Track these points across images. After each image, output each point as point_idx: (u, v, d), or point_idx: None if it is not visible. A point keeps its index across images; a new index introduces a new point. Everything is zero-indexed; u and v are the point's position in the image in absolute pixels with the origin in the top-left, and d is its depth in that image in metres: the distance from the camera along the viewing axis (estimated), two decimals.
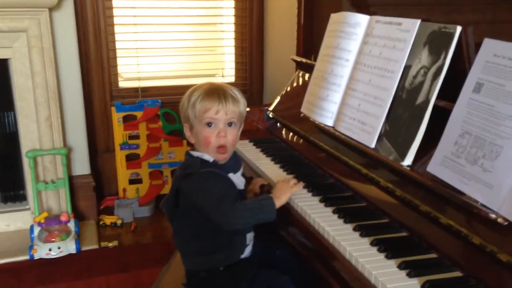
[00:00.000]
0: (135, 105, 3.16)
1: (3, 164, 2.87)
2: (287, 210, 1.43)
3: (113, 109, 3.11)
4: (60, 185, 2.79)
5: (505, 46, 1.10)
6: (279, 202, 1.39)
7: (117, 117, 3.11)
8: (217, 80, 3.55)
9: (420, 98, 1.31)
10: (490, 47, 1.13)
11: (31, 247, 2.57)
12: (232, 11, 3.42)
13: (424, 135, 1.29)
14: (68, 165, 2.86)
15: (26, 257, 2.56)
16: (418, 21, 1.38)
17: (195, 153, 1.44)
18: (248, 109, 2.20)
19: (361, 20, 1.62)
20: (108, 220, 2.98)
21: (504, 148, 1.05)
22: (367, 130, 1.48)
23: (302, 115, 1.85)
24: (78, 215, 2.93)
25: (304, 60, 2.09)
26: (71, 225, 2.71)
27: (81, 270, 2.50)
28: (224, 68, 3.62)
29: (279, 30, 3.29)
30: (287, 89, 2.14)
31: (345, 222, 1.32)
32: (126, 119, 3.14)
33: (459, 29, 1.25)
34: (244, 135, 1.98)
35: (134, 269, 2.51)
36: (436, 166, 1.21)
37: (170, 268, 1.69)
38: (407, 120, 1.34)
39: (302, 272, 1.46)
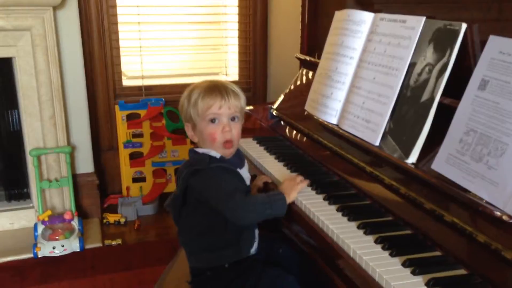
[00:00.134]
0: (139, 103, 3.17)
1: (7, 162, 2.88)
2: (291, 208, 1.43)
3: (117, 107, 3.12)
4: (64, 183, 2.79)
5: (511, 43, 1.10)
6: (289, 199, 1.40)
7: (120, 115, 3.11)
8: (221, 78, 3.55)
9: (425, 96, 1.31)
10: (496, 44, 1.13)
11: (35, 245, 2.58)
12: (236, 9, 3.42)
13: (428, 132, 1.29)
14: (72, 164, 2.87)
15: (30, 255, 2.57)
16: (423, 18, 1.38)
17: (200, 150, 1.44)
18: (251, 107, 2.22)
19: (366, 17, 1.61)
20: (111, 218, 2.99)
21: (509, 145, 1.05)
22: (371, 128, 1.47)
23: (306, 113, 1.84)
24: (82, 213, 2.94)
25: (308, 58, 2.09)
26: (75, 223, 2.72)
27: (84, 268, 2.50)
28: (227, 67, 3.62)
29: (283, 28, 3.29)
30: (291, 87, 2.14)
31: (349, 220, 1.31)
32: (129, 117, 3.15)
33: (464, 26, 1.24)
34: (248, 133, 1.98)
35: (138, 267, 2.51)
36: (441, 164, 1.20)
37: (174, 266, 1.69)
38: (411, 117, 1.34)
39: (305, 270, 1.46)
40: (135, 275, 2.45)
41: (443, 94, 1.26)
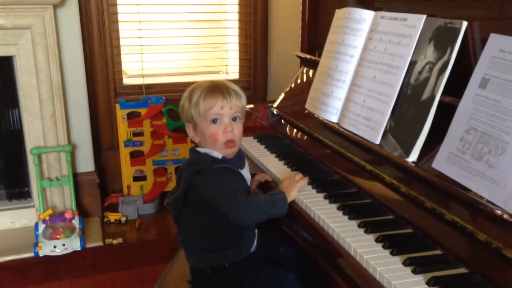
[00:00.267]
0: (139, 102, 3.17)
1: (7, 161, 2.88)
2: (291, 206, 1.43)
3: (117, 106, 3.12)
4: (64, 182, 2.79)
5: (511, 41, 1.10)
6: (289, 198, 1.40)
7: (121, 114, 3.11)
8: (221, 77, 3.55)
9: (426, 94, 1.30)
10: (496, 43, 1.13)
11: (35, 244, 2.58)
12: (236, 8, 3.41)
13: (429, 131, 1.28)
14: (73, 162, 2.87)
15: (31, 254, 2.57)
16: (424, 17, 1.37)
17: (202, 150, 1.44)
18: (252, 105, 2.21)
19: (366, 15, 1.61)
20: (112, 217, 2.99)
21: (510, 143, 1.05)
22: (372, 126, 1.47)
23: (306, 111, 1.84)
24: (83, 212, 2.94)
25: (308, 56, 2.09)
26: (76, 222, 2.72)
27: (85, 267, 2.51)
28: (228, 65, 3.62)
29: (283, 27, 3.28)
30: (291, 85, 2.14)
31: (350, 218, 1.31)
32: (130, 116, 3.15)
33: (465, 24, 1.24)
34: (249, 131, 1.98)
35: (139, 266, 2.51)
36: (441, 162, 1.20)
37: (175, 265, 1.69)
38: (412, 116, 1.34)
39: (305, 268, 1.46)
40: (136, 274, 2.45)
41: (443, 93, 1.26)
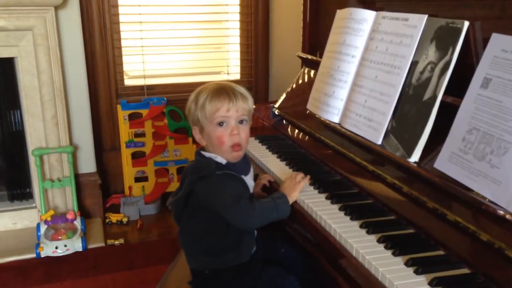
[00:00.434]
0: (141, 103, 3.17)
1: (9, 162, 2.88)
2: (293, 207, 1.43)
3: (119, 107, 3.12)
4: (66, 183, 2.79)
5: None
6: (291, 199, 1.40)
7: (122, 115, 3.11)
8: (223, 77, 3.55)
9: (427, 94, 1.30)
10: (498, 42, 1.12)
11: (37, 245, 2.58)
12: (237, 8, 3.41)
13: (431, 131, 1.28)
14: (74, 163, 2.87)
15: (33, 255, 2.57)
16: (425, 17, 1.37)
17: (206, 154, 1.43)
18: (253, 106, 2.21)
19: (368, 16, 1.61)
20: (114, 218, 2.99)
21: None
22: (373, 127, 1.47)
23: (308, 112, 1.84)
24: (84, 213, 2.94)
25: (310, 56, 2.09)
26: (78, 223, 2.72)
27: (87, 268, 2.51)
28: (229, 66, 3.62)
29: (284, 27, 3.28)
30: (292, 86, 2.14)
31: (352, 219, 1.31)
32: (131, 117, 3.15)
33: (466, 24, 1.24)
34: (250, 132, 1.97)
35: (140, 267, 2.51)
36: (443, 163, 1.20)
37: (176, 266, 1.69)
38: (414, 116, 1.33)
39: (307, 269, 1.46)
40: (138, 274, 2.45)
41: (445, 93, 1.26)
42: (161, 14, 3.25)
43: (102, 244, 2.73)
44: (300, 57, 2.18)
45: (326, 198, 1.44)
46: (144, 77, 3.27)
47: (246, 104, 1.42)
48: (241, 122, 1.41)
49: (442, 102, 1.26)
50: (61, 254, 2.58)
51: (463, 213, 1.12)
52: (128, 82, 3.29)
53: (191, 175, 1.39)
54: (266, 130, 2.10)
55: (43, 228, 2.65)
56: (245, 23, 3.44)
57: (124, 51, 3.19)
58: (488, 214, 1.07)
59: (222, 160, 1.41)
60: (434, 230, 1.18)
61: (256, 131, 2.08)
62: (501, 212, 1.04)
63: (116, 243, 2.74)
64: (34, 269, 2.48)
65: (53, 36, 2.62)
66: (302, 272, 1.45)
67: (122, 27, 3.15)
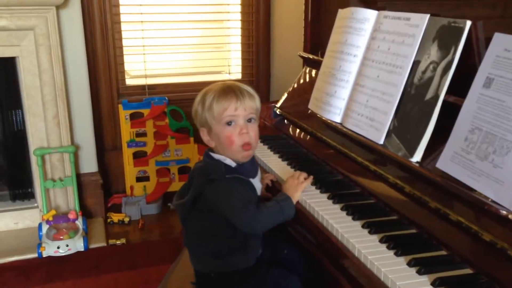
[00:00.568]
0: (142, 102, 3.17)
1: (11, 162, 2.89)
2: (295, 207, 1.42)
3: (120, 106, 3.12)
4: (68, 183, 2.80)
5: None
6: (294, 200, 1.40)
7: (124, 114, 3.11)
8: (224, 77, 3.55)
9: (429, 94, 1.30)
10: (501, 42, 1.12)
11: (39, 245, 2.58)
12: (239, 8, 3.41)
13: (433, 131, 1.28)
14: (76, 163, 2.87)
15: (35, 255, 2.57)
16: (427, 16, 1.37)
17: (216, 156, 1.42)
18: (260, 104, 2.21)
19: (369, 15, 1.60)
20: (115, 217, 2.99)
21: None
22: (375, 126, 1.47)
23: (309, 111, 1.84)
24: (86, 212, 2.94)
25: (311, 56, 2.08)
26: (79, 222, 2.72)
27: (89, 267, 2.51)
28: (230, 65, 3.61)
29: (286, 26, 3.28)
30: (294, 85, 2.13)
31: (354, 219, 1.31)
32: (133, 116, 3.15)
33: (468, 23, 1.23)
34: None
35: (142, 267, 2.51)
36: (445, 162, 1.19)
37: (178, 265, 1.68)
38: (416, 116, 1.33)
39: (309, 269, 1.46)
40: (140, 274, 2.45)
41: (447, 92, 1.25)
42: (162, 13, 3.25)
43: (104, 244, 2.73)
44: (302, 57, 2.18)
45: (328, 198, 1.44)
46: (146, 76, 3.27)
47: (253, 103, 1.40)
48: (249, 120, 1.40)
49: (444, 101, 1.26)
50: (63, 254, 2.59)
51: (466, 213, 1.12)
52: (129, 81, 3.29)
53: (199, 177, 1.38)
54: (267, 130, 2.10)
55: (45, 228, 2.65)
56: (247, 23, 3.44)
57: (125, 50, 3.19)
58: (490, 214, 1.06)
59: (232, 163, 1.40)
60: (437, 230, 1.18)
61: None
62: (504, 212, 1.03)
63: (117, 243, 2.74)
64: (36, 269, 2.48)
65: (54, 36, 2.62)
66: (305, 272, 1.45)
67: (123, 26, 3.15)
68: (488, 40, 1.15)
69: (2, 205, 2.86)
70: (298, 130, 1.96)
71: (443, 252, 1.14)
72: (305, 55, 2.14)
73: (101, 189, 3.03)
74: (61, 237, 2.62)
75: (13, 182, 2.90)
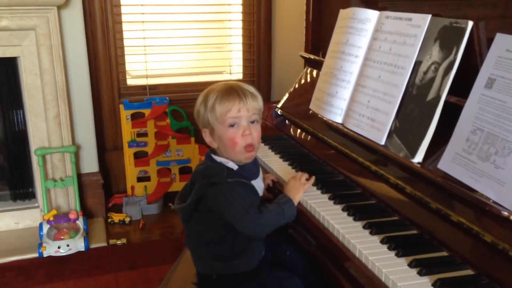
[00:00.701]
0: (143, 102, 3.17)
1: (12, 162, 2.88)
2: (296, 207, 1.42)
3: (121, 106, 3.12)
4: (68, 183, 2.79)
5: None
6: (295, 202, 1.39)
7: (125, 114, 3.11)
8: (225, 77, 3.55)
9: (431, 94, 1.30)
10: (503, 42, 1.12)
11: (40, 245, 2.58)
12: (240, 8, 3.41)
13: (434, 131, 1.27)
14: (77, 163, 2.87)
15: (35, 255, 2.57)
16: (429, 16, 1.37)
17: (218, 158, 1.41)
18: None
19: (371, 15, 1.60)
20: (116, 217, 2.99)
21: None
22: (376, 127, 1.46)
23: (310, 112, 1.83)
24: (87, 212, 2.94)
25: (312, 56, 2.08)
26: (80, 222, 2.72)
27: (89, 267, 2.51)
28: (231, 65, 3.61)
29: (287, 26, 3.28)
30: (295, 86, 2.13)
31: (355, 219, 1.30)
32: (134, 116, 3.15)
33: (470, 24, 1.23)
34: None
35: (143, 267, 2.51)
36: (447, 163, 1.19)
37: (179, 265, 1.68)
38: (417, 116, 1.33)
39: (311, 271, 1.45)
40: (140, 274, 2.45)
41: (449, 93, 1.25)
42: (163, 13, 3.24)
43: (105, 244, 2.73)
44: (303, 57, 2.18)
45: (329, 198, 1.44)
46: (147, 76, 3.27)
47: (256, 103, 1.39)
48: (252, 121, 1.39)
49: (446, 102, 1.26)
50: (63, 254, 2.59)
51: (467, 214, 1.12)
52: (130, 81, 3.29)
53: (201, 180, 1.37)
54: (268, 130, 2.10)
55: (46, 227, 2.65)
56: (248, 23, 3.44)
57: (126, 50, 3.19)
58: (492, 215, 1.06)
59: (234, 166, 1.39)
60: (438, 231, 1.18)
61: None
62: (505, 213, 1.03)
63: (118, 242, 2.74)
64: (37, 269, 2.48)
65: (55, 36, 2.62)
66: (306, 274, 1.45)
67: (124, 26, 3.14)
68: (490, 41, 1.15)
69: (3, 205, 2.86)
70: (299, 131, 1.95)
71: (444, 253, 1.13)
72: (307, 55, 2.14)
73: (102, 189, 3.02)
74: (62, 237, 2.62)
75: (14, 182, 2.90)
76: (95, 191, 3.00)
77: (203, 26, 3.42)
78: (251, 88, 1.41)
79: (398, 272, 1.07)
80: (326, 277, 1.31)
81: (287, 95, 2.14)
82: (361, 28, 1.62)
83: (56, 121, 2.72)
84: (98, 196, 3.01)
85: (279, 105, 2.13)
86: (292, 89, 2.14)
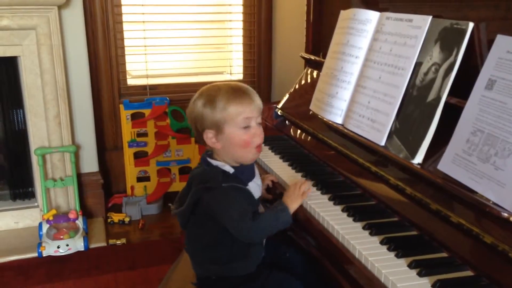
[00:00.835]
0: (143, 102, 3.17)
1: (12, 161, 2.88)
2: (292, 217, 1.41)
3: (121, 106, 3.12)
4: (68, 182, 2.79)
5: None
6: (291, 210, 1.38)
7: (125, 114, 3.11)
8: (225, 77, 3.55)
9: (431, 95, 1.30)
10: (503, 44, 1.12)
11: (39, 244, 2.58)
12: (241, 8, 3.41)
13: (435, 132, 1.27)
14: (77, 163, 2.87)
15: (35, 255, 2.57)
16: (430, 18, 1.37)
17: (214, 162, 1.39)
18: None
19: (371, 16, 1.60)
20: (116, 217, 2.99)
21: None
22: (376, 128, 1.46)
23: (311, 112, 1.83)
24: (86, 212, 2.94)
25: (313, 57, 2.08)
26: (80, 222, 2.72)
27: (89, 267, 2.50)
28: (232, 66, 3.61)
29: (287, 27, 3.28)
30: (295, 86, 2.13)
31: (355, 220, 1.30)
32: (134, 116, 3.15)
33: (471, 25, 1.23)
34: None
35: (142, 267, 2.51)
36: (447, 164, 1.19)
37: (179, 266, 1.68)
38: (417, 117, 1.33)
39: (311, 272, 1.45)
40: (140, 274, 2.45)
41: (449, 94, 1.25)
42: (164, 14, 3.24)
43: (104, 244, 2.73)
44: (303, 58, 2.18)
45: (329, 199, 1.44)
46: (147, 76, 3.27)
47: (261, 103, 1.40)
48: (259, 122, 1.39)
49: (446, 103, 1.26)
50: (63, 254, 2.59)
51: (467, 215, 1.12)
52: (130, 81, 3.29)
53: (197, 185, 1.36)
54: (268, 131, 2.09)
55: (45, 227, 2.65)
56: (248, 23, 3.44)
57: (127, 50, 3.19)
58: (492, 217, 1.06)
59: (230, 169, 1.38)
60: (438, 232, 1.18)
61: None
62: (505, 214, 1.03)
63: (118, 242, 2.74)
64: (36, 269, 2.48)
65: (56, 36, 2.62)
66: (306, 275, 1.45)
67: (125, 26, 3.15)
68: (490, 42, 1.15)
69: (3, 204, 2.86)
70: (299, 131, 1.95)
71: (444, 254, 1.13)
72: (307, 56, 2.14)
73: (101, 189, 3.02)
74: (61, 236, 2.62)
75: (13, 181, 2.90)
76: (95, 191, 3.00)
77: (203, 26, 3.42)
78: (250, 88, 1.42)
79: (398, 273, 1.07)
80: (326, 278, 1.31)
81: (287, 96, 2.14)
82: (361, 29, 1.62)
83: (56, 120, 2.72)
84: (97, 196, 3.01)
85: (279, 105, 2.13)
86: (292, 89, 2.14)
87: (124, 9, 3.12)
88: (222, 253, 1.40)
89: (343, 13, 1.76)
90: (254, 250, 1.41)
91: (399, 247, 1.15)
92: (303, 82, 2.10)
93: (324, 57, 1.85)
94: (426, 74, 1.34)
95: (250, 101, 1.36)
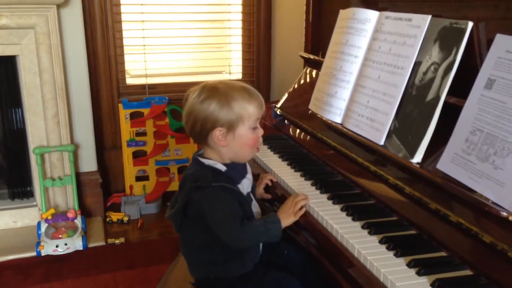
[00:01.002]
0: (142, 102, 3.17)
1: (10, 160, 2.88)
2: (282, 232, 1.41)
3: (120, 106, 3.12)
4: (67, 181, 2.79)
5: None
6: (283, 225, 1.36)
7: (124, 114, 3.11)
8: (225, 77, 3.55)
9: (431, 95, 1.30)
10: (502, 43, 1.12)
11: (38, 244, 2.58)
12: (240, 8, 3.41)
13: (434, 132, 1.28)
14: (75, 162, 2.86)
15: (33, 254, 2.57)
16: (429, 17, 1.37)
17: (206, 161, 1.38)
18: None
19: (371, 16, 1.60)
20: (114, 217, 2.99)
21: None
22: (376, 127, 1.46)
23: (310, 112, 1.83)
24: (85, 211, 2.94)
25: (312, 56, 2.08)
26: (78, 221, 2.72)
27: (87, 266, 2.50)
28: (231, 65, 3.61)
29: (287, 26, 3.28)
30: (295, 86, 2.13)
31: (354, 219, 1.30)
32: (133, 116, 3.15)
33: (470, 24, 1.23)
34: None
35: (141, 266, 2.51)
36: (446, 164, 1.19)
37: (177, 265, 1.68)
38: (417, 117, 1.33)
39: (309, 271, 1.45)
40: (138, 273, 2.44)
41: (448, 93, 1.25)
42: (163, 13, 3.24)
43: (103, 243, 2.72)
44: (303, 57, 2.18)
45: (328, 198, 1.44)
46: (146, 76, 3.27)
47: None
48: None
49: (445, 102, 1.26)
50: (61, 253, 2.58)
51: (466, 215, 1.12)
52: (129, 81, 3.29)
53: (188, 184, 1.35)
54: (268, 130, 2.10)
55: (44, 226, 2.65)
56: (247, 23, 3.44)
57: (126, 50, 3.19)
58: (491, 216, 1.06)
59: (222, 167, 1.36)
60: (437, 231, 1.18)
61: None
62: (504, 214, 1.03)
63: (116, 242, 2.74)
64: (35, 268, 2.48)
65: (55, 35, 2.62)
66: (305, 274, 1.44)
67: (124, 26, 3.14)
68: (489, 42, 1.15)
69: (1, 204, 2.85)
70: (298, 131, 1.95)
71: (443, 253, 1.13)
72: (306, 55, 2.14)
73: (100, 188, 3.02)
74: (60, 236, 2.62)
75: (12, 180, 2.89)
76: (94, 190, 3.00)
77: (202, 26, 3.42)
78: None
79: (397, 272, 1.07)
80: (324, 277, 1.31)
81: (286, 95, 2.14)
82: (361, 29, 1.62)
83: (55, 120, 2.72)
84: (96, 195, 3.01)
85: (279, 105, 2.13)
86: (292, 89, 2.14)
87: (123, 9, 3.12)
88: (217, 254, 1.39)
89: (342, 13, 1.76)
90: (251, 249, 1.41)
91: (398, 246, 1.15)
92: (302, 81, 2.10)
93: (323, 56, 1.85)
94: (425, 73, 1.34)
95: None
